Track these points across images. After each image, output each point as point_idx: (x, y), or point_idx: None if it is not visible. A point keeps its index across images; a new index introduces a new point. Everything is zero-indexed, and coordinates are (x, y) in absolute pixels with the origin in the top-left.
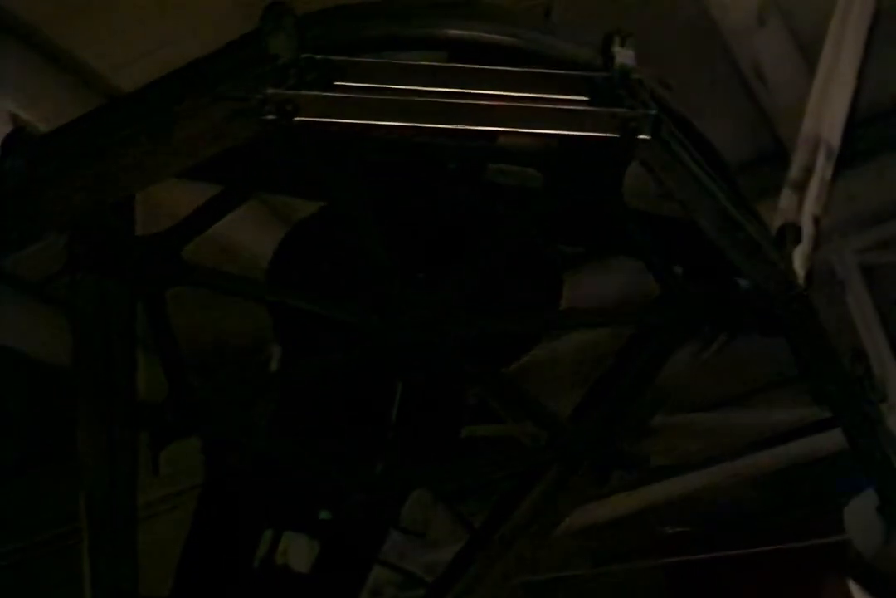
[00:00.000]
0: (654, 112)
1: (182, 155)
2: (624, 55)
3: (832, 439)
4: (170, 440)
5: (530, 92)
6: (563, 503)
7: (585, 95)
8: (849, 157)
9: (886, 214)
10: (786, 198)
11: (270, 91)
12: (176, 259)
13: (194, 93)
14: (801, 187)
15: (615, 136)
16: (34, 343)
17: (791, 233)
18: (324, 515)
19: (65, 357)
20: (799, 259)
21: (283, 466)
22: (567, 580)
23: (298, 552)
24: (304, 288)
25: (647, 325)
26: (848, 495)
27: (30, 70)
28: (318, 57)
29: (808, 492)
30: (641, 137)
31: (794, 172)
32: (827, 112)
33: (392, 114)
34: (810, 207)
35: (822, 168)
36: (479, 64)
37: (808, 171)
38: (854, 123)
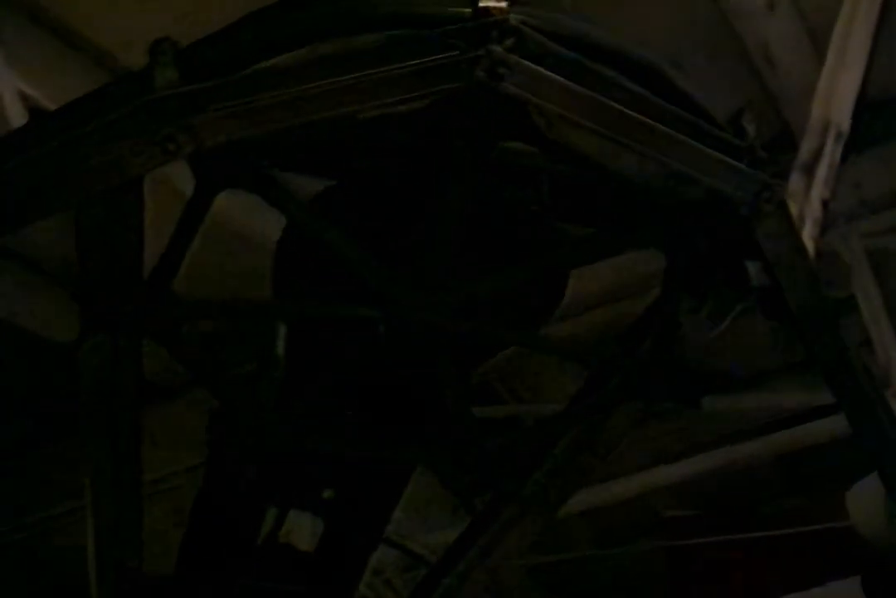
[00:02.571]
0: (783, 186)
1: (373, 97)
2: (752, 131)
3: (837, 424)
4: (110, 326)
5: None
6: (565, 485)
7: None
8: (857, 142)
9: (894, 199)
10: (794, 181)
11: (494, 48)
12: (257, 164)
13: (405, 25)
14: (809, 171)
15: (748, 197)
16: (36, 319)
17: (848, 303)
18: (328, 494)
19: (68, 334)
20: (806, 243)
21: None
22: (569, 563)
23: (302, 530)
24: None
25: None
26: (851, 480)
27: (38, 47)
28: (528, 29)
29: (811, 476)
30: (768, 207)
31: (803, 155)
32: (836, 96)
33: (578, 112)
34: (819, 190)
35: (831, 152)
36: None
37: (818, 154)
38: (863, 108)
